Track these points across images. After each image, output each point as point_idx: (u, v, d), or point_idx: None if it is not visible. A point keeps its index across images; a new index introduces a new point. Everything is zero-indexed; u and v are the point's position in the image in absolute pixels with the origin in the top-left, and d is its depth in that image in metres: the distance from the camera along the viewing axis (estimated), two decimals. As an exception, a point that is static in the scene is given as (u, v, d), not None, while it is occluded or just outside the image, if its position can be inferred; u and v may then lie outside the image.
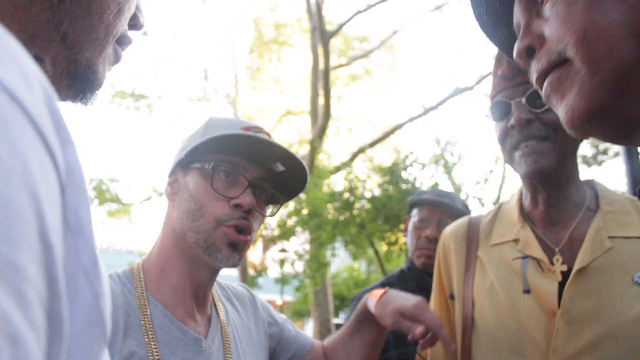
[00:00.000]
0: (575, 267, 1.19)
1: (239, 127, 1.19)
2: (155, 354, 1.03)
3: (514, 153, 1.29)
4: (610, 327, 1.12)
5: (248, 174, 1.17)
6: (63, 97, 0.62)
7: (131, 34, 0.70)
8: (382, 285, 2.37)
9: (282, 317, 1.45)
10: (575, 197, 1.32)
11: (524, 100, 1.27)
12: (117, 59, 0.68)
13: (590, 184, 1.39)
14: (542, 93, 0.66)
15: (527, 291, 1.23)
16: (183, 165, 1.21)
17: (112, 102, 17.28)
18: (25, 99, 0.32)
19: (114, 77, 16.11)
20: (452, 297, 1.44)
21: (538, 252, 1.27)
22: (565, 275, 1.21)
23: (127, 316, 1.05)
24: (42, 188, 0.32)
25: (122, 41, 0.67)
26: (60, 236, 0.36)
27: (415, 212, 2.45)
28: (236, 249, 1.14)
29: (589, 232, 1.24)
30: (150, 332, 1.05)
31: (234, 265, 1.15)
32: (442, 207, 2.37)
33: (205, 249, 1.13)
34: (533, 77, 0.68)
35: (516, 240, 1.33)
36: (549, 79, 0.64)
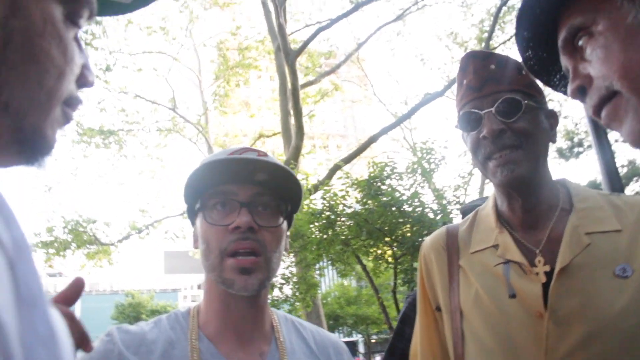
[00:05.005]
0: (558, 267, 1.20)
1: (226, 155, 1.20)
2: None
3: (488, 163, 1.30)
4: (598, 324, 1.13)
5: (239, 197, 1.18)
6: (15, 163, 0.62)
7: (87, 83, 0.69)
8: None
9: None
10: (549, 199, 1.33)
11: (494, 110, 1.28)
12: (66, 120, 0.67)
13: (563, 183, 1.41)
14: (602, 122, 0.78)
15: (513, 295, 1.24)
16: (194, 213, 1.26)
17: (81, 141, 16.95)
18: None
19: (81, 115, 15.84)
20: (438, 309, 1.43)
21: (517, 255, 1.27)
22: (549, 275, 1.21)
23: (172, 348, 1.13)
24: None
25: (71, 102, 0.66)
26: (12, 312, 0.39)
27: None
28: (249, 273, 1.14)
29: (566, 231, 1.25)
30: None
31: (255, 291, 1.16)
32: None
33: (223, 283, 1.15)
34: (590, 111, 0.79)
35: (496, 246, 1.33)
36: (605, 110, 0.76)
